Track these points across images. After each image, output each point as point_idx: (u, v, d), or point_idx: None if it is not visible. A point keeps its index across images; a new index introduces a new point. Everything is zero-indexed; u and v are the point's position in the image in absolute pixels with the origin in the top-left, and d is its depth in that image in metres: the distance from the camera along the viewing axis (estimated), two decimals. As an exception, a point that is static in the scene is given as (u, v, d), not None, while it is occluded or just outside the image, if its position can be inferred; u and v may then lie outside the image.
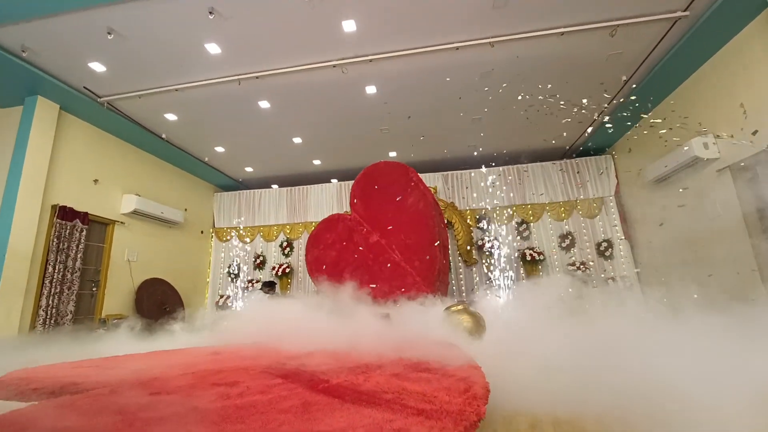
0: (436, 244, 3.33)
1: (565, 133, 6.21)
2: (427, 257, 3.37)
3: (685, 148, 4.64)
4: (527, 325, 2.78)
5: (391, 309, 2.48)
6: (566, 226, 6.61)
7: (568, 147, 6.89)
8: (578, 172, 6.77)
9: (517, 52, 4.29)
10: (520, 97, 5.00)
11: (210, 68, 4.34)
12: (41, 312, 4.25)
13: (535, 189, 6.85)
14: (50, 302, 4.34)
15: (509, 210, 6.80)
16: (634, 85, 5.02)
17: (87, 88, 4.55)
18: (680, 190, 5.09)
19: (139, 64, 4.20)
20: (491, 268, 6.45)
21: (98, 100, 4.73)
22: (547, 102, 5.19)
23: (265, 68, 4.38)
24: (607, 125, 5.93)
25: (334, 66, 4.38)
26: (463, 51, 4.22)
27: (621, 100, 5.31)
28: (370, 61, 4.32)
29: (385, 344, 1.58)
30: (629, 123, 5.91)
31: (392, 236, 3.90)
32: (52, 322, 4.36)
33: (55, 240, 4.49)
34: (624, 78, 4.97)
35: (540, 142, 6.51)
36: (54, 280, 4.42)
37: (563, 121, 5.68)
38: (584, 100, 5.32)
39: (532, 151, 6.84)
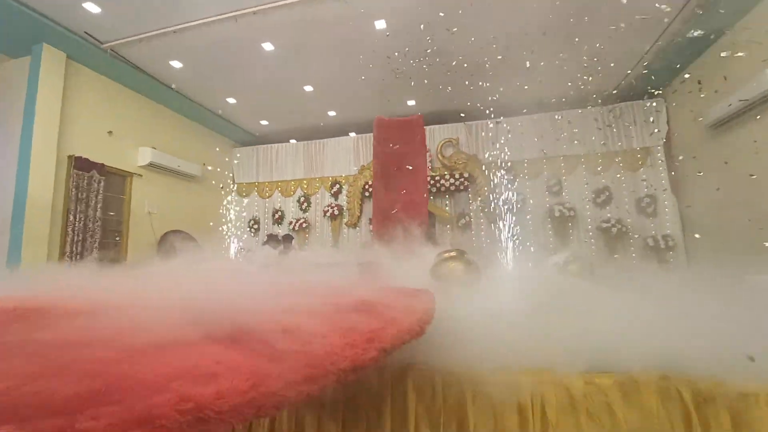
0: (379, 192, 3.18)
1: (608, 69, 5.38)
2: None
3: (755, 83, 3.83)
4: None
5: (377, 257, 2.26)
6: (603, 180, 5.96)
7: (612, 89, 6.03)
8: (618, 116, 5.96)
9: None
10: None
11: (204, 5, 4.04)
12: (66, 258, 4.47)
13: (569, 139, 6.15)
14: (74, 249, 4.55)
15: (539, 162, 6.20)
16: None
17: (88, 33, 4.42)
18: (754, 141, 4.28)
19: (131, 3, 3.98)
20: (514, 224, 6.02)
21: (101, 46, 4.62)
22: (588, 31, 4.44)
23: (261, 1, 4.01)
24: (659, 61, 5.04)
25: (335, -5, 3.93)
26: (483, -33, 3.60)
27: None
28: (376, -14, 3.82)
29: (344, 289, 1.36)
30: (690, 55, 4.99)
31: None
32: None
33: (74, 190, 4.62)
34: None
35: (578, 83, 5.72)
36: (76, 229, 4.60)
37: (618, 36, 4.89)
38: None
39: (569, 96, 6.06)
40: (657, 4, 3.92)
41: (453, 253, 2.11)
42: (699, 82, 4.81)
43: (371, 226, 5.09)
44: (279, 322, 0.76)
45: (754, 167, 4.11)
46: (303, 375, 0.47)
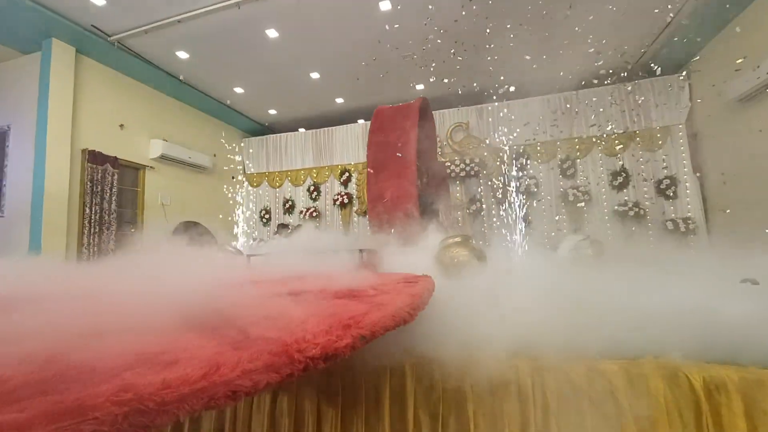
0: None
1: (625, 48, 5.13)
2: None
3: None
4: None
5: (380, 243, 2.24)
6: (620, 162, 5.75)
7: (630, 65, 5.75)
8: (641, 99, 5.68)
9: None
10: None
11: (206, -8, 4.00)
12: (84, 249, 4.62)
13: (584, 119, 5.93)
14: (91, 241, 4.69)
15: (553, 145, 6.01)
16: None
17: (95, 26, 4.45)
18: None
19: (135, -6, 3.97)
20: (526, 209, 5.90)
21: (108, 39, 4.65)
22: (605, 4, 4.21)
23: (263, -14, 3.94)
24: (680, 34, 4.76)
25: (338, -23, 3.82)
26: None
27: None
28: (379, -35, 3.69)
29: (339, 276, 1.34)
30: (714, 28, 4.70)
31: None
32: (96, 259, 4.74)
33: (89, 183, 4.73)
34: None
35: (594, 60, 5.47)
36: (92, 221, 4.73)
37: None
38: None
39: (584, 73, 5.80)
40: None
41: (457, 239, 2.07)
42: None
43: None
44: (264, 307, 0.74)
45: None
46: (263, 363, 0.45)
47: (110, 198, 4.98)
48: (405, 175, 2.86)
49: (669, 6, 4.30)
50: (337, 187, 7.13)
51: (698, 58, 5.29)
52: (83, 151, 4.76)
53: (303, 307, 0.74)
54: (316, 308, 0.73)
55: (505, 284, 1.63)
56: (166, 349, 0.49)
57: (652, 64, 5.49)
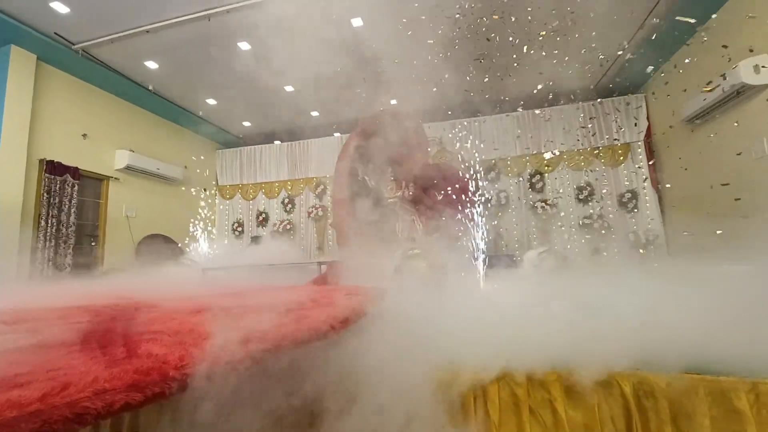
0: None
1: (588, 68, 5.40)
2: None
3: (727, 77, 3.86)
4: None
5: (344, 256, 2.22)
6: (585, 177, 5.98)
7: (592, 86, 6.05)
8: (607, 114, 5.97)
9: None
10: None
11: (176, 3, 3.97)
12: (37, 264, 4.36)
13: (552, 136, 6.17)
14: (45, 255, 4.44)
15: (522, 160, 6.21)
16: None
17: (58, 34, 4.33)
18: (713, 135, 4.42)
19: (100, 2, 3.89)
20: (496, 222, 6.02)
21: (72, 47, 4.52)
22: (566, 31, 4.44)
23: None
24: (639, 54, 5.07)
25: (308, -8, 3.88)
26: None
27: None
28: (349, -17, 3.78)
29: (285, 290, 1.32)
30: (666, 53, 5.03)
31: None
32: (50, 274, 4.48)
33: (46, 195, 4.51)
34: (659, -8, 4.12)
35: (559, 81, 5.73)
36: (48, 234, 4.49)
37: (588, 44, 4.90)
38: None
39: (551, 93, 6.07)
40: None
41: (417, 251, 2.08)
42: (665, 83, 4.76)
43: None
44: (180, 323, 0.72)
45: (726, 160, 4.16)
46: (125, 382, 0.42)
47: (69, 210, 4.75)
48: (336, 187, 2.90)
49: (639, 18, 4.56)
50: (312, 200, 7.08)
51: (653, 79, 5.62)
52: (41, 161, 4.55)
53: (221, 323, 0.71)
54: (234, 323, 0.70)
55: (459, 297, 1.64)
56: (32, 370, 0.45)
57: (613, 82, 5.80)
